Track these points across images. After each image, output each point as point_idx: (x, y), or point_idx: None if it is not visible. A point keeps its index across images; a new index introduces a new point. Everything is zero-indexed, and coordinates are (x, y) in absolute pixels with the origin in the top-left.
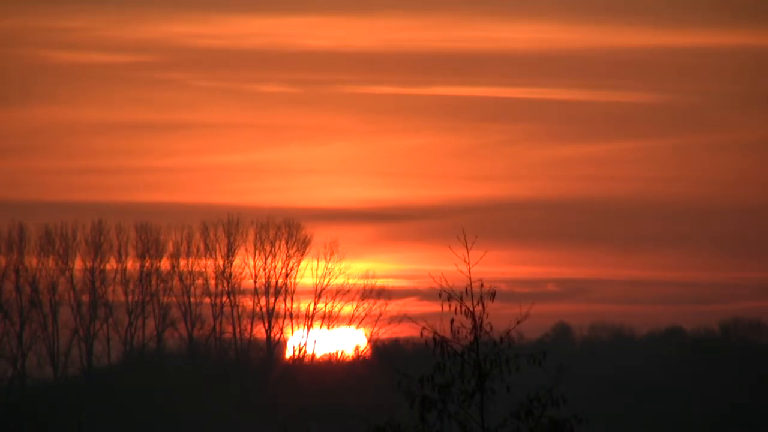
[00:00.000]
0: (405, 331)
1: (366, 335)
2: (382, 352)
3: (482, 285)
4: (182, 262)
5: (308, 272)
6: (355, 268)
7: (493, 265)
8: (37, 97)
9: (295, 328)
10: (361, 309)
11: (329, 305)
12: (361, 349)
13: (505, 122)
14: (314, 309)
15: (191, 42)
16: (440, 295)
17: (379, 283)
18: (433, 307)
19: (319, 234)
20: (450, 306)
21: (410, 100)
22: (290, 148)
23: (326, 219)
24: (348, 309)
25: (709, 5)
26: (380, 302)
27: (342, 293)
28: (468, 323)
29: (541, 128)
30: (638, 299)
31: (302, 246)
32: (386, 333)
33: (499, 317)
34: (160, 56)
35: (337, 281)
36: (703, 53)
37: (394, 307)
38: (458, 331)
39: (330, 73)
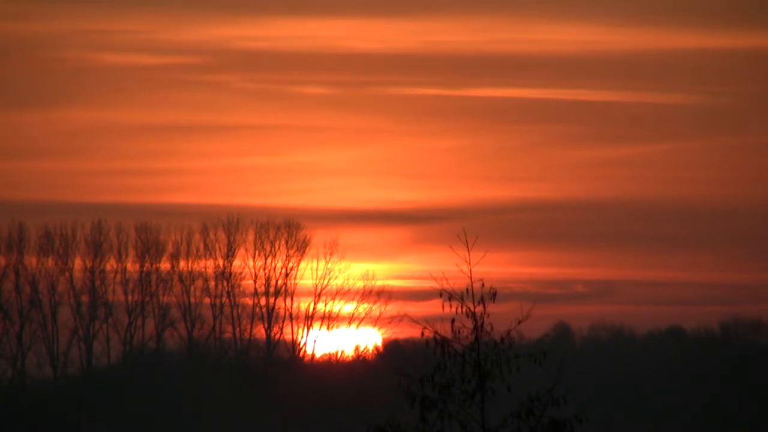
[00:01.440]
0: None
1: (381, 335)
2: (397, 351)
3: (483, 285)
4: (182, 263)
5: (308, 272)
6: (381, 270)
7: (522, 267)
8: (79, 99)
9: (308, 329)
10: (376, 309)
11: (334, 304)
12: (370, 348)
13: (541, 124)
14: (314, 309)
15: (236, 44)
16: (441, 295)
17: (405, 284)
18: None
19: (346, 235)
20: (451, 306)
21: (449, 101)
22: (325, 149)
23: (354, 221)
24: (361, 309)
25: (746, 6)
26: (400, 303)
27: (364, 294)
28: (469, 323)
29: (575, 130)
30: (665, 300)
31: (302, 246)
32: (399, 333)
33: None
34: (204, 58)
35: (355, 283)
36: (737, 55)
37: (417, 308)
38: (459, 331)
39: (371, 74)
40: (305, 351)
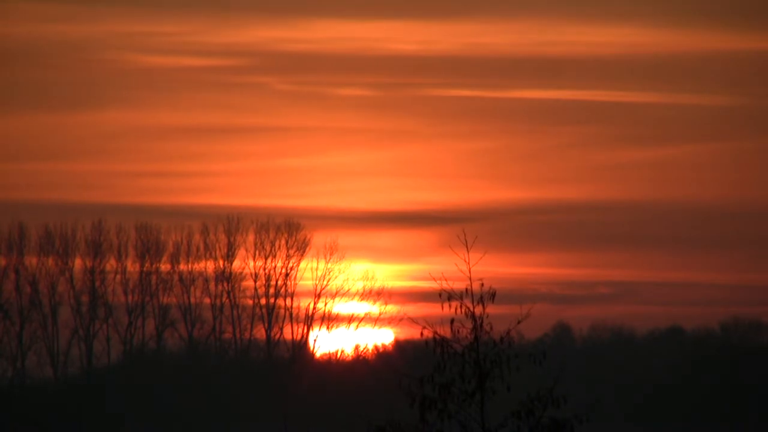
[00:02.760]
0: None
1: (394, 334)
2: (410, 351)
3: (482, 284)
4: (182, 262)
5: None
6: (403, 271)
7: (550, 268)
8: (118, 101)
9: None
10: (390, 308)
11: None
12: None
13: (574, 125)
14: (314, 309)
15: (278, 46)
16: (440, 296)
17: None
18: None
19: (373, 237)
20: (450, 306)
21: (483, 103)
22: (356, 151)
23: (382, 222)
24: (373, 310)
25: None
26: (421, 305)
27: (394, 295)
28: (471, 323)
29: (609, 131)
30: (691, 301)
31: (302, 246)
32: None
33: (550, 318)
34: (246, 60)
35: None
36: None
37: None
38: (458, 331)
39: (410, 76)
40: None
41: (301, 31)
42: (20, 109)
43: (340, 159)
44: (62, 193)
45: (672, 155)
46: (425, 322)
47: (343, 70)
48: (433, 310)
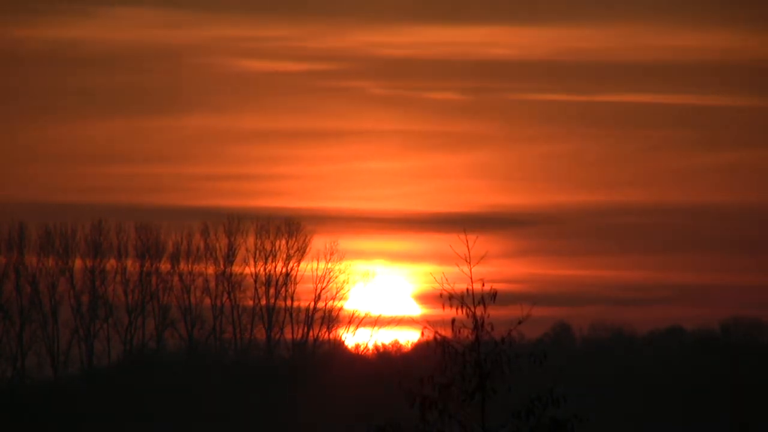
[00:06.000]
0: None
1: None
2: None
3: (483, 284)
4: (182, 263)
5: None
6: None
7: (609, 270)
8: (204, 105)
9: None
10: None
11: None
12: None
13: (653, 129)
14: (314, 308)
15: (376, 51)
16: (441, 296)
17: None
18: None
19: (439, 240)
20: (452, 306)
21: (569, 107)
22: (435, 154)
23: (446, 225)
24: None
25: None
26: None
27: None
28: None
29: (684, 135)
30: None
31: (302, 246)
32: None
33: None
34: (342, 65)
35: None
36: None
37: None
38: (459, 331)
39: (502, 81)
40: (306, 350)
41: (400, 36)
42: (109, 114)
43: (412, 163)
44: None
45: (744, 159)
46: (427, 322)
47: (437, 75)
48: (497, 311)
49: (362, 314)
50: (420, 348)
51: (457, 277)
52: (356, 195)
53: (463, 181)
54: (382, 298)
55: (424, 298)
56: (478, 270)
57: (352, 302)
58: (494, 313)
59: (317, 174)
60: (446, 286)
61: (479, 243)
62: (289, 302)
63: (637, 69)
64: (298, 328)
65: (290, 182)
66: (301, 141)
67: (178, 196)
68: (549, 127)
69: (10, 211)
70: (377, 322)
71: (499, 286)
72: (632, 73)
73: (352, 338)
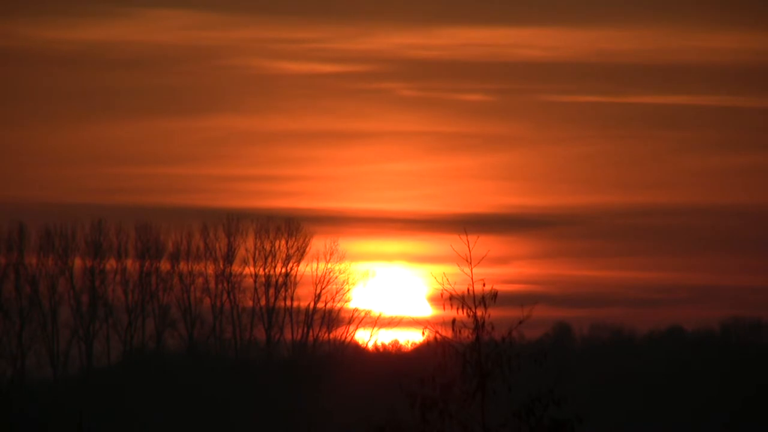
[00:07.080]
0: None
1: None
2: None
3: (484, 284)
4: (182, 262)
5: (309, 272)
6: (498, 274)
7: (631, 271)
8: (234, 106)
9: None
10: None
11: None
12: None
13: (678, 130)
14: (314, 308)
15: (407, 53)
16: (442, 296)
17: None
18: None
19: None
20: (452, 306)
21: (597, 108)
22: (462, 155)
23: (471, 226)
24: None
25: None
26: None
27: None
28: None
29: (709, 136)
30: None
31: (302, 247)
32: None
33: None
34: (373, 66)
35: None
36: None
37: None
38: (460, 331)
39: (532, 82)
40: (305, 350)
41: (431, 38)
42: (138, 115)
43: (434, 165)
44: (153, 196)
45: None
46: (428, 323)
47: (467, 76)
48: (504, 312)
49: (374, 315)
50: (423, 348)
51: (475, 277)
52: (375, 197)
53: (489, 182)
54: (397, 299)
55: (438, 300)
56: (502, 271)
57: (357, 302)
58: (506, 314)
59: (330, 175)
60: (447, 287)
61: (501, 244)
62: (289, 302)
63: (664, 71)
64: (298, 329)
65: (300, 183)
66: (320, 142)
67: (178, 197)
68: (578, 129)
69: (10, 211)
70: (376, 322)
71: (517, 287)
72: (660, 74)
73: (369, 338)
